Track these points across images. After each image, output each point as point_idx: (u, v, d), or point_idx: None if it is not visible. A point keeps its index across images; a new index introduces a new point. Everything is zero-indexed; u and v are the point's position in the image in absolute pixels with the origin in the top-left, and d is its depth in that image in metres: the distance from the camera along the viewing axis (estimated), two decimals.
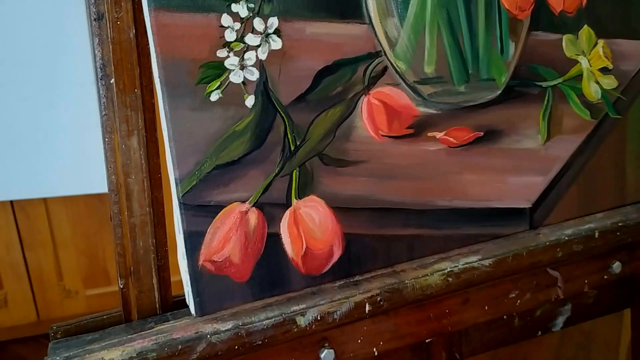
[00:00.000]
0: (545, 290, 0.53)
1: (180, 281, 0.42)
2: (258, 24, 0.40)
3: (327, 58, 0.42)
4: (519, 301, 0.51)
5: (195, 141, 0.39)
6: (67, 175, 1.26)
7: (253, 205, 0.42)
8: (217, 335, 0.40)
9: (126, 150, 0.39)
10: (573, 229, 0.52)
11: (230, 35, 0.39)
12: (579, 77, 0.52)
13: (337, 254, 0.45)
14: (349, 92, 0.43)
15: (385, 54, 0.44)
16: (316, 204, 0.43)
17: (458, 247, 0.49)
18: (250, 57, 0.40)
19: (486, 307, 0.50)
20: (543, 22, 0.50)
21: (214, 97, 0.39)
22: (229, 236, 0.41)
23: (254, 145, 0.41)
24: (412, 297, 0.45)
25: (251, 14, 0.39)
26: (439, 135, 0.47)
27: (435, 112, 0.47)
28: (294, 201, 0.43)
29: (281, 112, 0.41)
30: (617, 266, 0.55)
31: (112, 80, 0.38)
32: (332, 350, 0.44)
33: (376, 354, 0.46)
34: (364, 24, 0.43)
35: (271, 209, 0.42)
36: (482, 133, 0.49)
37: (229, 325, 0.40)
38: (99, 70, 0.38)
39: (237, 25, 0.39)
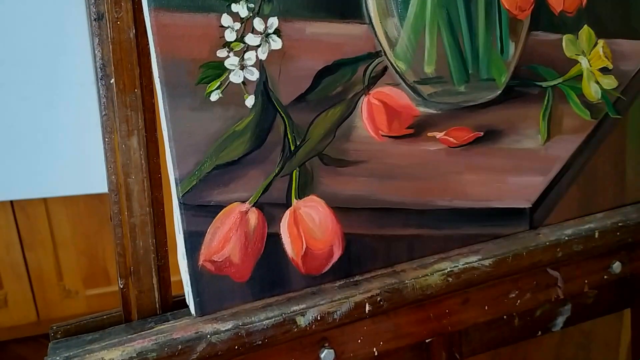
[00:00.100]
0: (545, 290, 0.53)
1: (180, 281, 0.42)
2: (258, 24, 0.40)
3: (327, 58, 0.42)
4: (519, 301, 0.51)
5: (195, 141, 0.39)
6: (67, 175, 1.26)
7: (253, 205, 0.42)
8: (217, 335, 0.40)
9: (126, 150, 0.39)
10: (573, 229, 0.52)
11: (230, 35, 0.39)
12: (579, 77, 0.52)
13: (337, 254, 0.45)
14: (349, 92, 0.43)
15: (385, 54, 0.44)
16: (316, 204, 0.43)
17: (458, 247, 0.49)
18: (250, 57, 0.40)
19: (486, 307, 0.50)
20: (543, 22, 0.50)
21: (214, 97, 0.39)
22: (229, 236, 0.41)
23: (254, 145, 0.41)
24: (412, 297, 0.45)
25: (251, 14, 0.39)
26: (439, 135, 0.47)
27: (435, 112, 0.47)
28: (294, 201, 0.43)
29: (281, 112, 0.41)
30: (617, 266, 0.55)
31: (112, 80, 0.38)
32: (332, 350, 0.44)
33: (376, 354, 0.46)
34: (364, 24, 0.43)
35: (271, 209, 0.42)
36: (482, 133, 0.49)
37: (229, 325, 0.40)
38: (99, 70, 0.38)
39: (237, 25, 0.39)
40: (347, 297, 0.43)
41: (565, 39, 0.51)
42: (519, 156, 0.50)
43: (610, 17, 0.53)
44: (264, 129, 0.41)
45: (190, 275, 0.40)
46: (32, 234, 1.40)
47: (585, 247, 0.52)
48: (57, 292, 1.47)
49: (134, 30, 0.38)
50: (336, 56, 0.42)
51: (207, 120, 0.39)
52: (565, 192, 0.53)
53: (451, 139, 0.47)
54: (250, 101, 0.40)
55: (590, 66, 0.52)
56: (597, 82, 0.53)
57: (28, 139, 1.21)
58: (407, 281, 0.45)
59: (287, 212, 0.43)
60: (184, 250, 0.40)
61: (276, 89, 0.41)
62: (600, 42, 0.52)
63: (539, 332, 0.55)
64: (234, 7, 0.39)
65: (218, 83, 0.39)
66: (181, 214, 0.39)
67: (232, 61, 0.39)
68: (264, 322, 0.41)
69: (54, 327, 0.41)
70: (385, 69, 0.44)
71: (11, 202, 1.35)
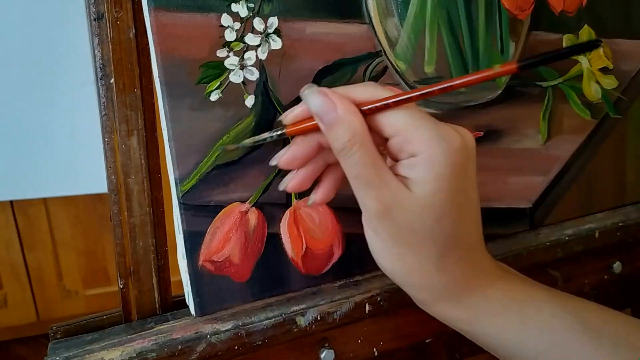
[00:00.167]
0: None
1: (180, 281, 0.42)
2: (258, 23, 0.40)
3: (327, 58, 0.42)
4: None
5: (195, 141, 0.39)
6: (67, 175, 1.26)
7: (253, 205, 0.42)
8: (217, 336, 0.40)
9: (126, 150, 0.39)
10: (573, 229, 0.52)
11: (230, 35, 0.39)
12: (579, 77, 0.52)
13: (337, 254, 0.45)
14: None
15: (385, 54, 0.44)
16: None
17: None
18: (250, 57, 0.40)
19: None
20: (543, 22, 0.50)
21: (214, 97, 0.39)
22: (229, 236, 0.41)
23: (254, 145, 0.41)
24: None
25: (251, 14, 0.39)
26: None
27: (435, 112, 0.47)
28: (294, 201, 0.43)
29: (281, 112, 0.41)
30: (617, 266, 0.55)
31: (112, 80, 0.38)
32: (332, 351, 0.44)
33: (376, 354, 0.46)
34: (364, 23, 0.43)
35: (271, 209, 0.42)
36: (482, 133, 0.49)
37: (228, 325, 0.40)
38: (98, 70, 0.38)
39: (237, 25, 0.39)
40: (347, 297, 0.43)
41: (566, 38, 0.51)
42: (519, 156, 0.50)
43: (611, 17, 0.53)
44: (264, 129, 0.41)
45: (190, 275, 0.40)
46: (32, 234, 1.40)
47: (586, 247, 0.52)
48: (57, 292, 1.47)
49: (133, 30, 0.38)
50: (336, 56, 0.42)
51: (207, 120, 0.39)
52: (565, 192, 0.53)
53: None
54: (250, 101, 0.40)
55: (591, 66, 0.52)
56: (598, 82, 0.53)
57: (28, 138, 1.21)
58: None
59: (287, 212, 0.43)
60: (184, 250, 0.40)
61: (276, 89, 0.41)
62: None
63: None
64: (234, 7, 0.39)
65: (218, 83, 0.39)
66: (181, 214, 0.39)
67: (232, 61, 0.39)
68: (264, 322, 0.41)
69: (54, 327, 0.41)
70: (386, 68, 0.44)
71: (11, 202, 1.35)
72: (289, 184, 0.39)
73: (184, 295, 0.42)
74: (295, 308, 0.42)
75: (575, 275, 0.54)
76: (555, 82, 0.51)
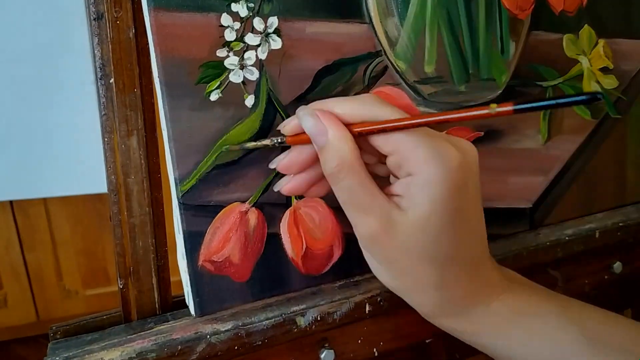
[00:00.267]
0: None
1: (180, 281, 0.41)
2: (258, 23, 0.40)
3: (327, 58, 0.42)
4: None
5: (195, 141, 0.39)
6: (66, 175, 1.26)
7: (253, 205, 0.41)
8: (216, 336, 0.40)
9: (126, 150, 0.39)
10: (573, 229, 0.52)
11: (230, 35, 0.39)
12: (580, 76, 0.52)
13: (337, 254, 0.45)
14: (349, 91, 0.43)
15: (386, 54, 0.44)
16: (316, 204, 0.43)
17: None
18: (250, 56, 0.40)
19: None
20: (543, 22, 0.50)
21: (214, 96, 0.39)
22: (229, 236, 0.41)
23: None
24: None
25: (251, 14, 0.39)
26: None
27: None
28: (294, 201, 0.43)
29: (281, 112, 0.41)
30: (617, 266, 0.55)
31: (112, 80, 0.38)
32: (332, 351, 0.44)
33: (376, 354, 0.46)
34: (364, 23, 0.43)
35: (271, 209, 0.42)
36: (482, 133, 0.49)
37: (228, 325, 0.40)
38: (98, 69, 0.38)
39: (237, 25, 0.39)
40: (347, 297, 0.43)
41: (566, 38, 0.51)
42: (519, 156, 0.50)
43: (611, 17, 0.53)
44: (264, 128, 0.41)
45: (189, 275, 0.40)
46: (31, 234, 1.40)
47: (586, 247, 0.52)
48: (56, 292, 1.47)
49: (133, 30, 0.38)
50: (336, 56, 0.42)
51: (207, 120, 0.39)
52: (565, 192, 0.53)
53: None
54: (250, 101, 0.40)
55: (591, 66, 0.52)
56: (598, 82, 0.53)
57: (28, 138, 1.21)
58: None
59: (287, 212, 0.43)
60: (184, 250, 0.40)
61: (276, 89, 0.41)
62: (601, 41, 0.52)
63: None
64: (234, 7, 0.39)
65: (218, 83, 0.39)
66: (181, 214, 0.39)
67: (231, 61, 0.39)
68: (263, 323, 0.41)
69: (54, 327, 0.41)
70: (386, 68, 0.44)
71: (11, 202, 1.35)
72: (284, 186, 0.39)
73: (183, 295, 0.42)
74: (295, 308, 0.42)
75: (575, 275, 0.54)
76: (555, 82, 0.51)
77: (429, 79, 0.46)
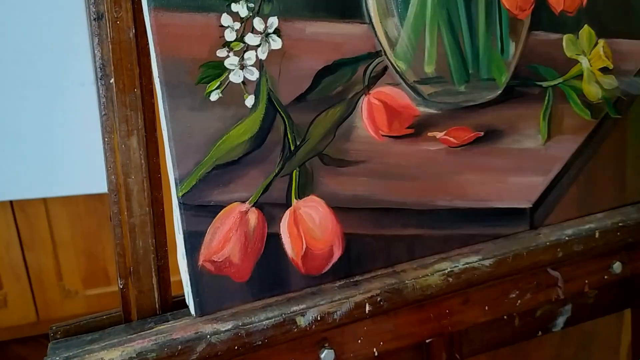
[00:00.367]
0: (545, 291, 0.52)
1: (180, 281, 0.41)
2: (258, 23, 0.40)
3: (327, 58, 0.42)
4: (519, 301, 0.51)
5: (195, 141, 0.39)
6: (67, 175, 1.26)
7: (253, 205, 0.41)
8: (216, 336, 0.40)
9: (126, 150, 0.39)
10: (573, 229, 0.52)
11: (230, 35, 0.39)
12: (579, 77, 0.52)
13: (337, 254, 0.45)
14: (349, 92, 0.43)
15: (386, 54, 0.44)
16: (316, 204, 0.43)
17: (458, 247, 0.49)
18: (250, 56, 0.40)
19: (486, 307, 0.50)
20: (543, 22, 0.50)
21: (214, 97, 0.39)
22: (229, 236, 0.41)
23: (254, 145, 0.41)
24: (412, 297, 0.45)
25: (251, 14, 0.39)
26: (439, 135, 0.47)
27: (435, 111, 0.47)
28: (294, 201, 0.43)
29: (281, 112, 0.41)
30: (617, 266, 0.55)
31: (112, 80, 0.38)
32: (332, 351, 0.44)
33: (376, 354, 0.46)
34: (364, 23, 0.43)
35: (271, 209, 0.42)
36: (482, 133, 0.49)
37: (228, 325, 0.40)
38: (98, 70, 0.38)
39: (237, 25, 0.39)
40: (347, 297, 0.43)
41: (566, 38, 0.51)
42: (519, 156, 0.50)
43: (611, 17, 0.53)
44: (264, 128, 0.41)
45: (190, 275, 0.40)
46: (31, 234, 1.40)
47: (586, 247, 0.52)
48: (56, 292, 1.47)
49: (133, 30, 0.38)
50: (336, 56, 0.42)
51: (207, 120, 0.39)
52: (565, 192, 0.53)
53: (451, 139, 0.47)
54: (250, 101, 0.40)
55: (591, 66, 0.52)
56: (598, 82, 0.53)
57: (28, 139, 1.21)
58: (407, 281, 0.45)
59: (287, 212, 0.43)
60: (184, 250, 0.40)
61: (276, 89, 0.41)
62: (601, 42, 0.52)
63: (540, 333, 0.55)
64: (234, 7, 0.39)
65: (218, 83, 0.39)
66: (181, 214, 0.39)
67: (232, 61, 0.39)
68: (263, 322, 0.41)
69: (54, 327, 0.41)
70: (386, 68, 0.44)
71: (11, 202, 1.35)
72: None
73: (184, 295, 0.42)
74: (295, 308, 0.42)
75: (575, 275, 0.54)
76: (555, 82, 0.51)
77: (429, 79, 0.46)
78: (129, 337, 0.39)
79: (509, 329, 0.53)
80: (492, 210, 0.50)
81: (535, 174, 0.51)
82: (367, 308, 0.44)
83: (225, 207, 0.41)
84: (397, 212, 0.46)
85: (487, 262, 0.48)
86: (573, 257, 0.52)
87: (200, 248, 0.40)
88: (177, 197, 0.39)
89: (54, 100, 1.20)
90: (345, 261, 0.45)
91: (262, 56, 0.40)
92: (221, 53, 0.39)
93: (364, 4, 0.43)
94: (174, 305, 0.43)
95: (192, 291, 0.41)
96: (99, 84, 0.38)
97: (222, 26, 0.39)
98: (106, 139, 0.39)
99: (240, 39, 0.39)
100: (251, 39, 0.40)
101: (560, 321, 0.56)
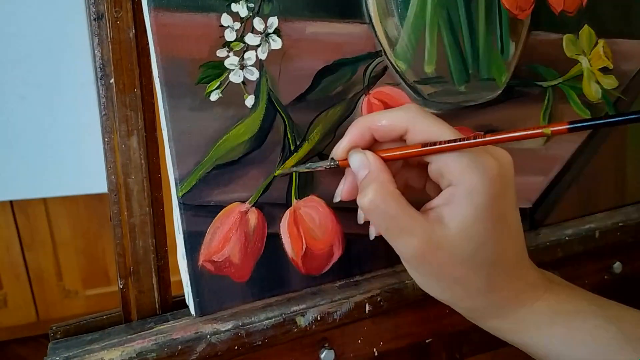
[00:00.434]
0: None
1: (180, 281, 0.41)
2: (258, 23, 0.40)
3: (327, 58, 0.42)
4: None
5: (195, 141, 0.39)
6: (66, 175, 1.26)
7: (253, 205, 0.42)
8: (216, 336, 0.40)
9: (126, 150, 0.39)
10: (573, 229, 0.52)
11: (230, 35, 0.39)
12: (580, 77, 0.52)
13: (337, 254, 0.45)
14: (349, 92, 0.43)
15: (386, 54, 0.44)
16: (316, 204, 0.43)
17: None
18: (250, 56, 0.40)
19: None
20: (543, 22, 0.50)
21: (214, 97, 0.39)
22: (229, 236, 0.41)
23: (253, 145, 0.41)
24: (412, 297, 0.45)
25: (251, 14, 0.39)
26: None
27: (435, 112, 0.47)
28: (294, 201, 0.43)
29: (281, 112, 0.41)
30: (617, 266, 0.55)
31: (112, 80, 0.38)
32: (332, 351, 0.44)
33: (376, 354, 0.46)
34: (364, 23, 0.43)
35: (271, 209, 0.42)
36: (482, 133, 0.49)
37: (228, 325, 0.40)
38: (98, 70, 0.38)
39: (237, 25, 0.39)
40: (347, 297, 0.43)
41: (566, 38, 0.51)
42: (519, 156, 0.50)
43: (611, 17, 0.53)
44: (264, 128, 0.41)
45: (190, 275, 0.40)
46: (31, 234, 1.40)
47: (586, 247, 0.52)
48: (56, 292, 1.47)
49: (133, 30, 0.38)
50: (336, 56, 0.42)
51: (207, 120, 0.39)
52: (565, 192, 0.53)
53: None
54: (250, 101, 0.40)
55: (591, 66, 0.52)
56: (598, 82, 0.53)
57: (28, 138, 1.21)
58: (407, 281, 0.45)
59: (287, 212, 0.43)
60: (184, 250, 0.40)
61: (276, 89, 0.41)
62: (601, 41, 0.52)
63: None
64: (234, 7, 0.39)
65: (218, 83, 0.39)
66: (181, 214, 0.39)
67: (232, 61, 0.39)
68: (264, 323, 0.41)
69: (54, 327, 0.41)
70: (386, 68, 0.44)
71: (11, 202, 1.35)
72: (342, 193, 0.41)
73: (184, 295, 0.42)
74: (295, 308, 0.42)
75: (575, 275, 0.54)
76: (555, 82, 0.51)
77: (428, 79, 0.46)
78: (129, 337, 0.39)
79: None
80: None
81: (536, 174, 0.51)
82: (367, 308, 0.44)
83: (225, 207, 0.41)
84: None
85: None
86: (573, 257, 0.52)
87: (200, 248, 0.40)
88: (177, 197, 0.39)
89: (54, 100, 1.20)
90: (345, 261, 0.45)
91: (262, 56, 0.40)
92: (221, 53, 0.39)
93: (364, 4, 0.43)
94: (174, 305, 0.43)
95: (192, 291, 0.41)
96: (99, 84, 0.38)
97: (222, 26, 0.39)
98: (106, 139, 0.39)
99: (240, 39, 0.39)
100: (251, 39, 0.40)
101: None
